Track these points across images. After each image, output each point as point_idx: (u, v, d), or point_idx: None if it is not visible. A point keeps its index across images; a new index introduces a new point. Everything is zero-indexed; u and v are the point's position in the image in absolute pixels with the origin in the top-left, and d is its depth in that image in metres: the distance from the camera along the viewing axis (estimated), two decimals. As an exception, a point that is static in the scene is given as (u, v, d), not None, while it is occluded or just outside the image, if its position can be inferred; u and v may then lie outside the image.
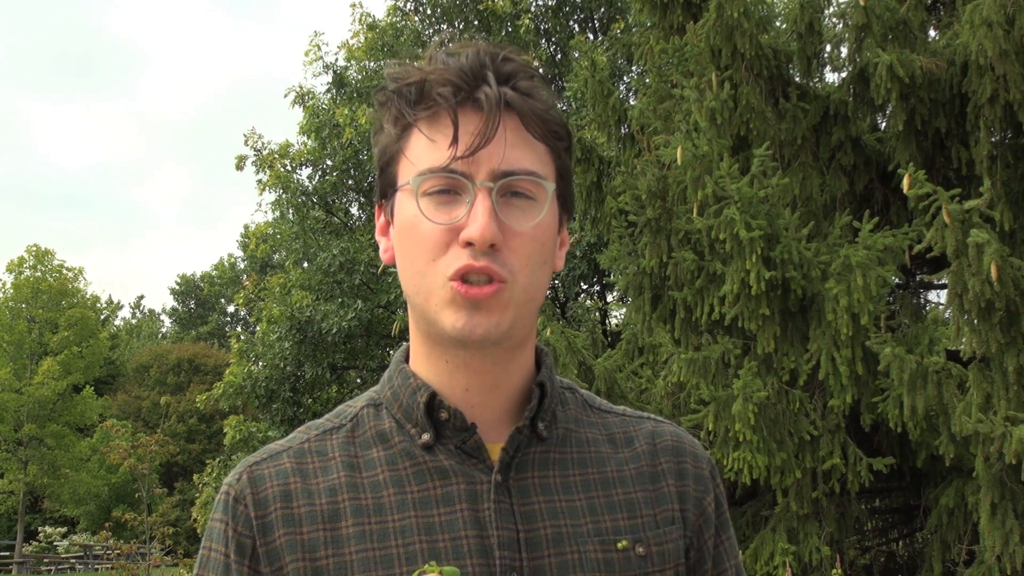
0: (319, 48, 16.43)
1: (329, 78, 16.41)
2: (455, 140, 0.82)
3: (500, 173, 0.83)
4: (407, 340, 0.96)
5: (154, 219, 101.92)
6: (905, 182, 3.56)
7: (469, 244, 0.82)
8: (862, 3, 4.40)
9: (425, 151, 0.85)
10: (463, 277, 0.83)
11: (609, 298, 15.32)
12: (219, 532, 0.88)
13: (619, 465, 0.94)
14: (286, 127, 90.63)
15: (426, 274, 0.85)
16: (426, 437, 0.89)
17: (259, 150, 16.52)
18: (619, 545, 0.88)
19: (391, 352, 17.12)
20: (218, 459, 17.44)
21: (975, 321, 3.48)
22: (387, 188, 0.91)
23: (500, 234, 0.83)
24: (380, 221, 0.94)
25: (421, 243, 0.85)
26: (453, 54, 0.87)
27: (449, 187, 0.84)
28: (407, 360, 0.95)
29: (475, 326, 0.83)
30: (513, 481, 0.88)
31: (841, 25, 5.06)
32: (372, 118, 0.93)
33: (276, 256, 19.77)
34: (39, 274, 30.11)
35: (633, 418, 1.00)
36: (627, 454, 0.95)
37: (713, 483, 0.99)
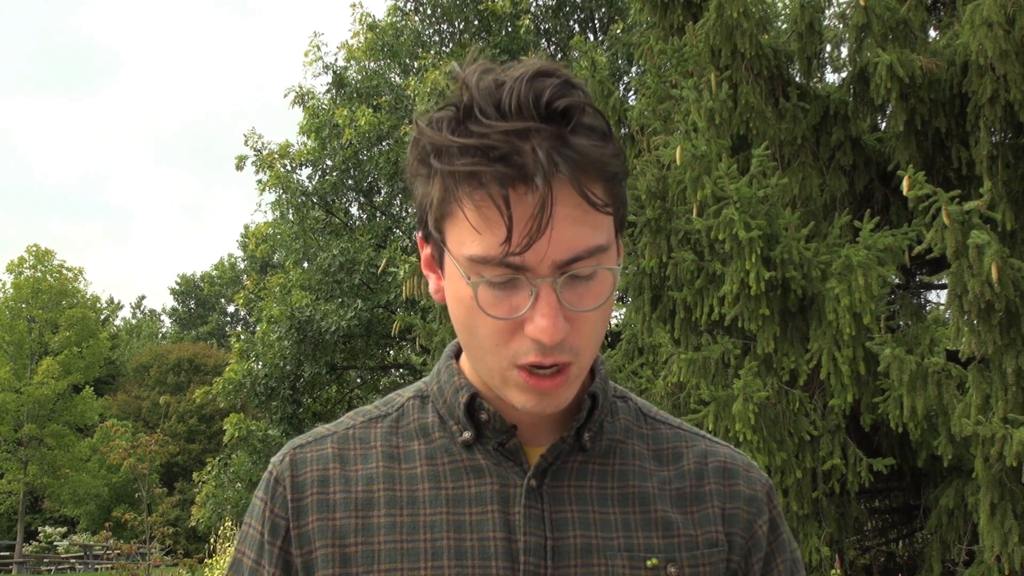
0: (319, 48, 16.47)
1: (329, 78, 16.45)
2: (509, 237, 0.74)
3: (562, 263, 0.75)
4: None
5: (154, 220, 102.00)
6: (905, 183, 3.56)
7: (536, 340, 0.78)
8: (862, 3, 4.39)
9: (473, 235, 0.76)
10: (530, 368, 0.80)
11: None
12: (259, 510, 0.90)
13: (661, 482, 0.92)
14: (286, 127, 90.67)
15: (489, 354, 0.81)
16: (467, 435, 0.88)
17: (259, 150, 16.55)
18: (648, 563, 0.86)
19: (391, 352, 17.15)
20: (218, 458, 17.46)
21: (975, 322, 3.48)
22: (433, 233, 0.82)
23: (568, 326, 0.78)
24: (425, 253, 0.87)
25: (482, 330, 0.80)
26: (494, 88, 0.76)
27: (506, 280, 0.77)
28: (457, 356, 0.94)
29: (544, 407, 0.81)
30: (547, 487, 0.87)
31: (841, 25, 5.07)
32: (408, 161, 0.83)
33: (276, 256, 19.76)
34: (39, 274, 30.12)
35: (688, 433, 0.97)
36: (672, 472, 0.93)
37: (769, 505, 0.95)
